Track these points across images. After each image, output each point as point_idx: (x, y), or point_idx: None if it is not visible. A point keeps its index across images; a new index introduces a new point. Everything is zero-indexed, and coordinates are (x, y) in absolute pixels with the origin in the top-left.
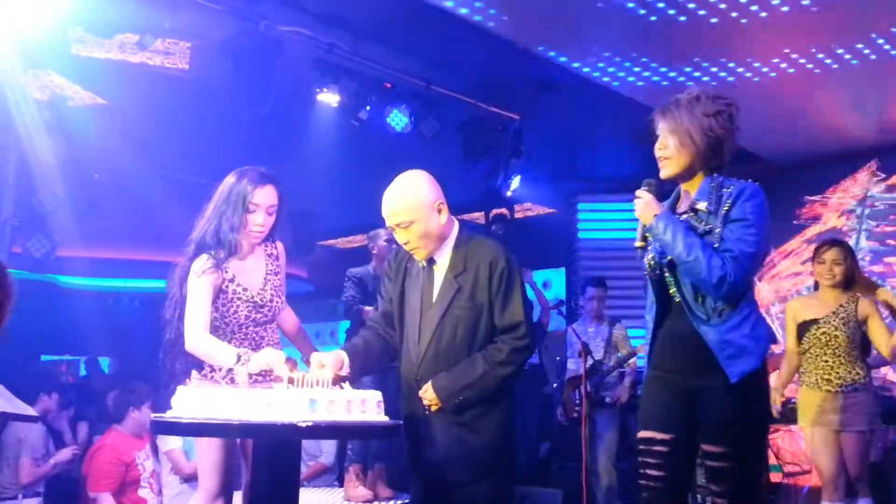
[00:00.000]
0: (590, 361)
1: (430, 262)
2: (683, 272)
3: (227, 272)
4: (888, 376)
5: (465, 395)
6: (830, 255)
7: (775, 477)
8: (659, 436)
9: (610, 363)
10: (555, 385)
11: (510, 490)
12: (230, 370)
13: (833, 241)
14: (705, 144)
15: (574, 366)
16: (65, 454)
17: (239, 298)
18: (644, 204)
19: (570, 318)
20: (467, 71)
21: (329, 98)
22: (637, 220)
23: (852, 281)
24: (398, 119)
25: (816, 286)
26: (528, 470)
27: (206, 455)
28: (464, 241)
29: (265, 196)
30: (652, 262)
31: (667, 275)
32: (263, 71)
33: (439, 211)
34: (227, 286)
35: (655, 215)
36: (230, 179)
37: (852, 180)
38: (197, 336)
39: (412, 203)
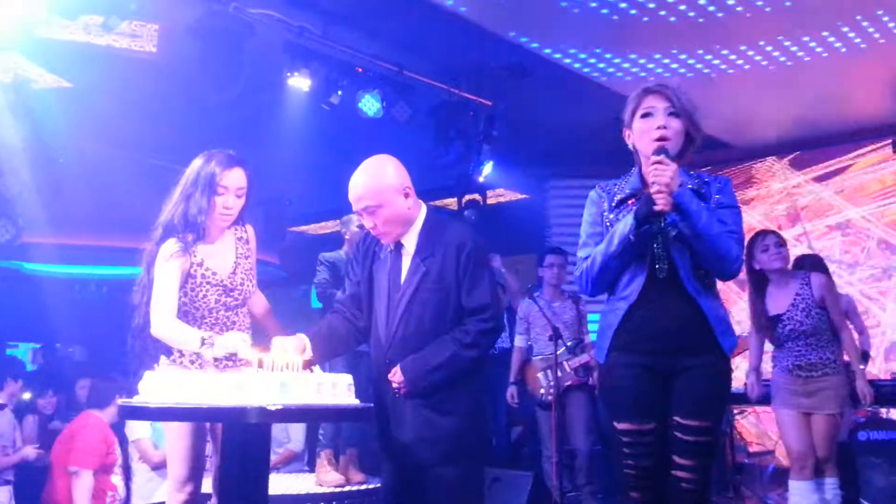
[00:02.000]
0: (566, 340)
1: (398, 246)
2: (704, 245)
3: (195, 256)
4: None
5: (434, 378)
6: (772, 238)
7: (740, 457)
8: (644, 427)
9: (586, 340)
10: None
11: (481, 472)
12: (199, 355)
13: (765, 230)
14: (692, 133)
15: (522, 343)
16: (29, 453)
17: (208, 283)
18: (675, 170)
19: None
20: (439, 56)
21: (300, 82)
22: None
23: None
24: (370, 104)
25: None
26: (500, 452)
27: (175, 441)
28: (431, 225)
29: (234, 178)
30: (659, 234)
31: (657, 248)
32: (232, 54)
33: (406, 195)
34: (195, 270)
35: (680, 185)
36: (198, 162)
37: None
38: (163, 321)
39: (378, 187)
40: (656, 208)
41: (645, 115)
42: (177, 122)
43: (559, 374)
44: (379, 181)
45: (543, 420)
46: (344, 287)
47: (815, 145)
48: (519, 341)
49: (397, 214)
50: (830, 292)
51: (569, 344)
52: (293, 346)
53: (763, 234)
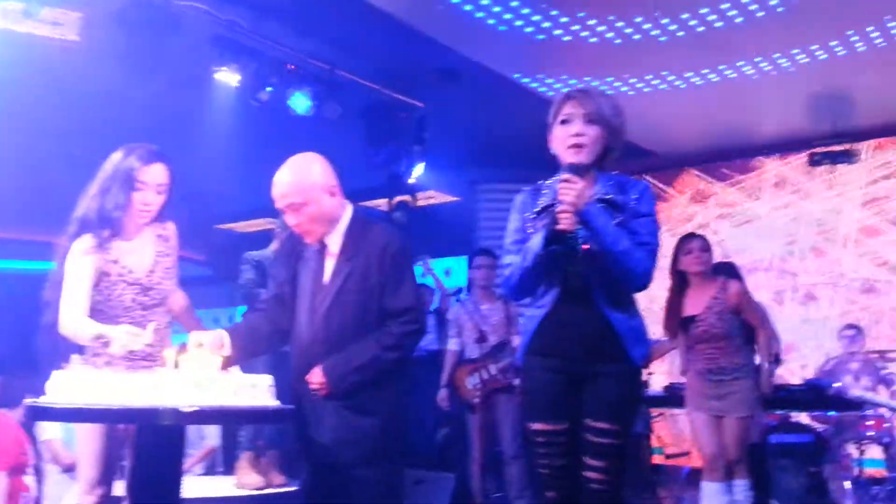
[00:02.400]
0: (493, 341)
1: (322, 245)
2: (612, 261)
3: (110, 253)
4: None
5: (355, 379)
6: (697, 243)
7: (657, 459)
8: (557, 427)
9: (514, 342)
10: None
11: (401, 473)
12: (112, 354)
13: (692, 233)
14: (614, 141)
15: (455, 346)
16: None
17: (124, 280)
18: (579, 190)
19: None
20: (372, 56)
21: (228, 77)
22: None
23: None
24: (300, 101)
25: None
26: (425, 455)
27: (85, 443)
28: (357, 225)
29: (154, 174)
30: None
31: (568, 263)
32: (159, 45)
33: (332, 194)
34: (110, 268)
35: (588, 202)
36: (117, 155)
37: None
38: (70, 318)
39: (304, 184)
40: (559, 227)
41: (564, 122)
42: (100, 113)
43: (486, 376)
44: (305, 178)
45: (471, 422)
46: (269, 287)
47: (734, 156)
48: (451, 344)
49: (322, 213)
50: (746, 298)
51: (494, 346)
52: (210, 341)
53: (689, 237)
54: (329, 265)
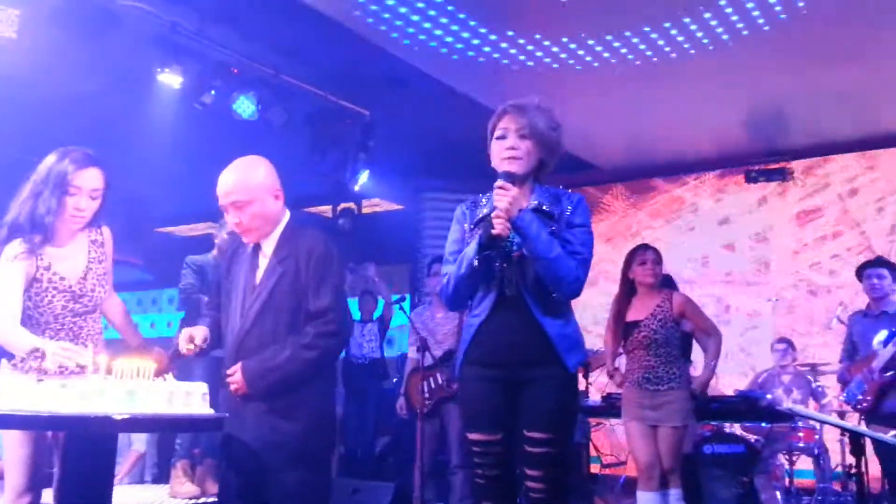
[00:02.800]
0: (440, 351)
1: (257, 247)
2: (544, 268)
3: (41, 259)
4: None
5: (270, 379)
6: (651, 255)
7: (594, 468)
8: (491, 437)
9: None
10: (395, 380)
11: (326, 478)
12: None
13: (646, 244)
14: (549, 153)
15: (415, 355)
16: None
17: (55, 288)
18: (513, 196)
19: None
20: (318, 61)
21: (171, 79)
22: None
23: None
24: (245, 106)
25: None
26: (364, 464)
27: (12, 449)
28: (291, 229)
29: (88, 178)
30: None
31: (505, 268)
32: (98, 44)
33: (276, 197)
34: (41, 274)
35: (521, 209)
36: (50, 159)
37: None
38: (4, 328)
39: (251, 183)
40: (493, 232)
41: (499, 137)
42: (36, 112)
43: (433, 385)
44: (251, 178)
45: (419, 430)
46: (211, 292)
47: (672, 171)
48: (410, 352)
49: (264, 214)
50: (692, 306)
51: (443, 355)
52: (201, 336)
53: (644, 248)
54: (262, 266)
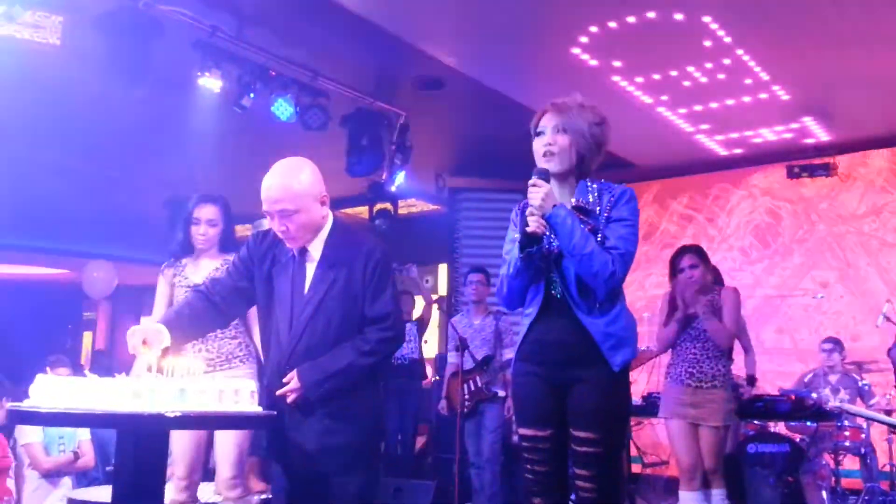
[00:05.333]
0: (480, 354)
1: (303, 251)
2: (577, 264)
3: (181, 272)
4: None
5: (331, 385)
6: (689, 260)
7: (636, 468)
8: (540, 433)
9: (503, 356)
10: (435, 379)
11: (378, 480)
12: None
13: (686, 247)
14: (589, 149)
15: (455, 359)
16: None
17: (185, 293)
18: (545, 192)
19: (451, 314)
20: (354, 64)
21: (211, 83)
22: (522, 211)
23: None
24: (283, 108)
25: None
26: (404, 463)
27: (177, 445)
28: (339, 234)
29: (205, 212)
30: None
31: (548, 268)
32: (141, 50)
33: (322, 203)
34: (178, 281)
35: (555, 205)
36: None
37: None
38: None
39: (298, 191)
40: (528, 230)
41: (538, 134)
42: (82, 119)
43: (472, 387)
44: (300, 186)
45: (461, 429)
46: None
47: (714, 167)
48: (451, 357)
49: (312, 221)
50: (731, 301)
51: (482, 359)
52: (152, 338)
53: (682, 252)
54: (310, 272)
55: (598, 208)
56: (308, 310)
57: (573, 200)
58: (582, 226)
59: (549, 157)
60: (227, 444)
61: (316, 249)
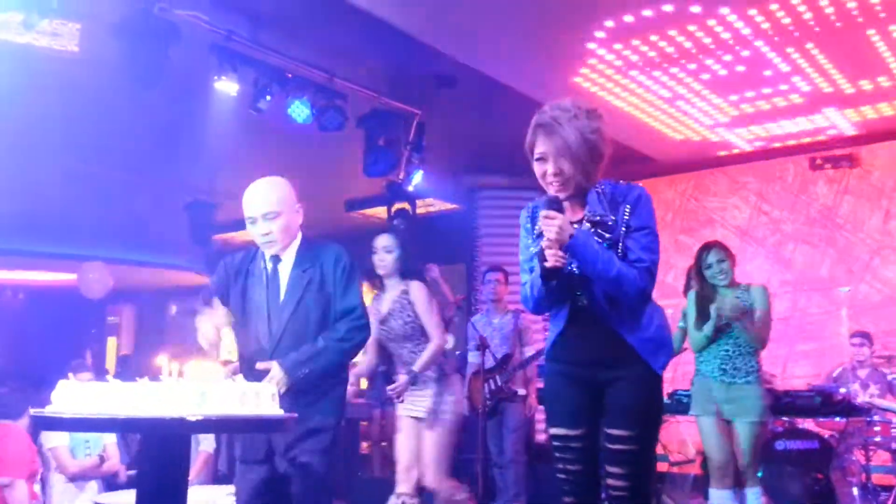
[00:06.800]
0: (501, 353)
1: (276, 260)
2: (605, 286)
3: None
4: (765, 368)
5: (308, 368)
6: (714, 256)
7: (662, 466)
8: (572, 432)
9: (524, 354)
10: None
11: (337, 459)
12: None
13: (710, 244)
14: (592, 161)
15: (476, 359)
16: None
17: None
18: (560, 226)
19: (471, 313)
20: (370, 64)
21: (227, 86)
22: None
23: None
24: (299, 110)
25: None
26: None
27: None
28: (308, 243)
29: (381, 241)
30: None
31: (573, 286)
32: (158, 56)
33: (297, 212)
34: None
35: (571, 235)
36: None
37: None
38: None
39: (281, 197)
40: (547, 265)
41: (539, 160)
42: (100, 124)
43: (493, 386)
44: (283, 192)
45: (481, 429)
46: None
47: (736, 160)
48: (471, 357)
49: (290, 227)
50: (761, 298)
51: (501, 358)
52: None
53: (706, 248)
54: (284, 276)
55: (614, 217)
56: (287, 309)
57: (587, 215)
58: (602, 243)
59: (557, 185)
60: (428, 442)
61: (289, 257)
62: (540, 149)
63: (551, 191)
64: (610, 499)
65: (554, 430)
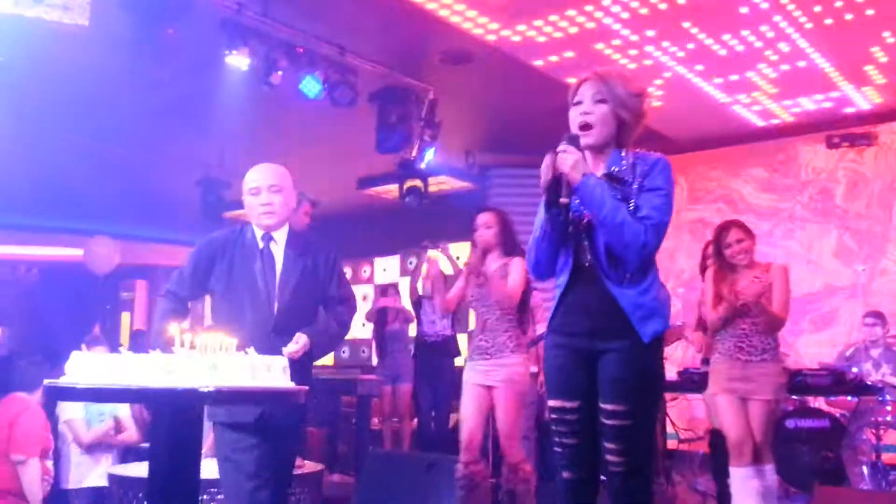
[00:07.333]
0: None
1: (268, 238)
2: (608, 234)
3: None
4: (780, 348)
5: (325, 344)
6: (735, 235)
7: (671, 444)
8: (568, 404)
9: (535, 332)
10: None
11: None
12: None
13: (730, 223)
14: (628, 120)
15: None
16: None
17: None
18: (574, 160)
19: None
20: (382, 39)
21: (239, 61)
22: (554, 177)
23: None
24: (311, 85)
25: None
26: (437, 439)
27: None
28: (295, 232)
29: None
30: (568, 221)
31: (576, 236)
32: (168, 29)
33: (293, 201)
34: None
35: (584, 173)
36: None
37: None
38: None
39: (285, 176)
40: (561, 200)
41: (576, 104)
42: (110, 99)
43: None
44: (286, 175)
45: None
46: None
47: (751, 138)
48: None
49: (289, 204)
50: (781, 280)
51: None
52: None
53: (726, 228)
54: (279, 256)
55: (630, 177)
56: (288, 285)
57: (604, 169)
58: (613, 194)
59: (586, 128)
60: (499, 412)
61: (280, 238)
62: (581, 92)
63: (575, 130)
64: (608, 474)
65: (552, 403)
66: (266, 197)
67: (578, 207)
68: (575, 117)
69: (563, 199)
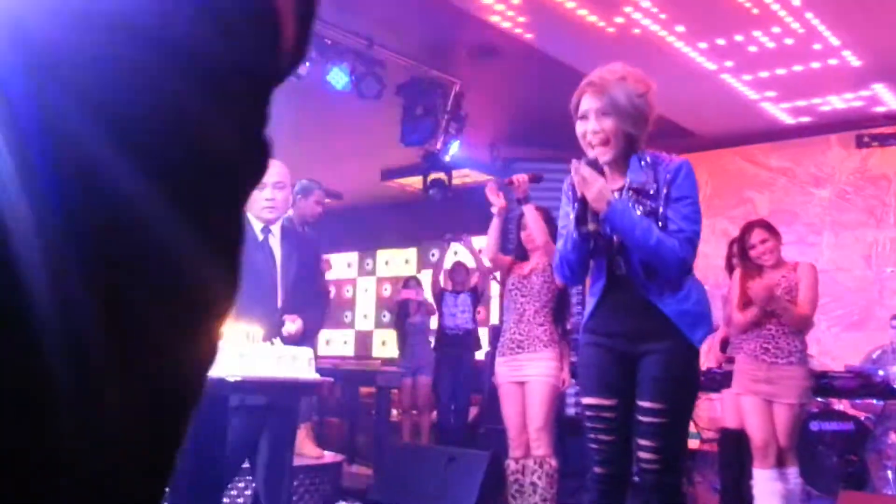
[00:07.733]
0: None
1: (266, 231)
2: (644, 256)
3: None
4: (808, 350)
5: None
6: (759, 235)
7: (693, 443)
8: (605, 402)
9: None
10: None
11: None
12: None
13: (755, 222)
14: (636, 126)
15: None
16: None
17: None
18: (598, 191)
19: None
20: (409, 32)
21: None
22: (577, 201)
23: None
24: (338, 77)
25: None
26: (457, 432)
27: (504, 409)
28: (290, 226)
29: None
30: (598, 242)
31: (609, 250)
32: None
33: (290, 199)
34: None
35: (609, 202)
36: None
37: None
38: None
39: (287, 175)
40: (589, 229)
41: (581, 118)
42: None
43: None
44: (288, 174)
45: None
46: None
47: (778, 136)
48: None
49: (288, 201)
50: (808, 278)
51: None
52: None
53: (751, 228)
54: (276, 248)
55: (654, 187)
56: (289, 276)
57: (627, 181)
58: (640, 211)
59: (600, 147)
60: (532, 405)
61: (276, 232)
62: (584, 107)
63: (590, 152)
64: (641, 472)
65: (587, 400)
66: (270, 192)
67: (608, 230)
68: (583, 134)
69: (591, 227)
